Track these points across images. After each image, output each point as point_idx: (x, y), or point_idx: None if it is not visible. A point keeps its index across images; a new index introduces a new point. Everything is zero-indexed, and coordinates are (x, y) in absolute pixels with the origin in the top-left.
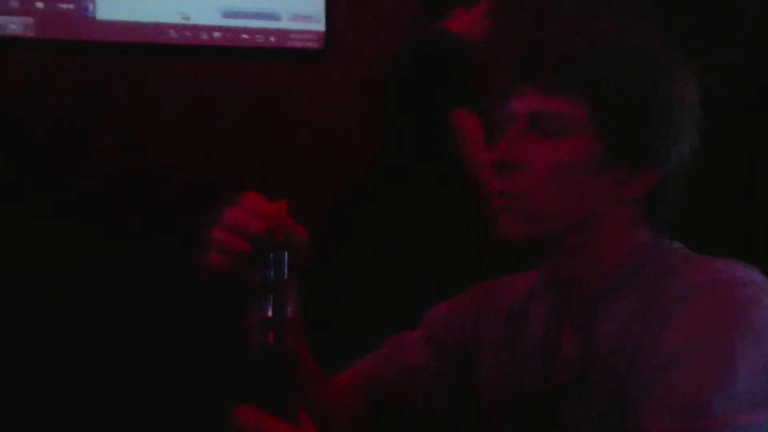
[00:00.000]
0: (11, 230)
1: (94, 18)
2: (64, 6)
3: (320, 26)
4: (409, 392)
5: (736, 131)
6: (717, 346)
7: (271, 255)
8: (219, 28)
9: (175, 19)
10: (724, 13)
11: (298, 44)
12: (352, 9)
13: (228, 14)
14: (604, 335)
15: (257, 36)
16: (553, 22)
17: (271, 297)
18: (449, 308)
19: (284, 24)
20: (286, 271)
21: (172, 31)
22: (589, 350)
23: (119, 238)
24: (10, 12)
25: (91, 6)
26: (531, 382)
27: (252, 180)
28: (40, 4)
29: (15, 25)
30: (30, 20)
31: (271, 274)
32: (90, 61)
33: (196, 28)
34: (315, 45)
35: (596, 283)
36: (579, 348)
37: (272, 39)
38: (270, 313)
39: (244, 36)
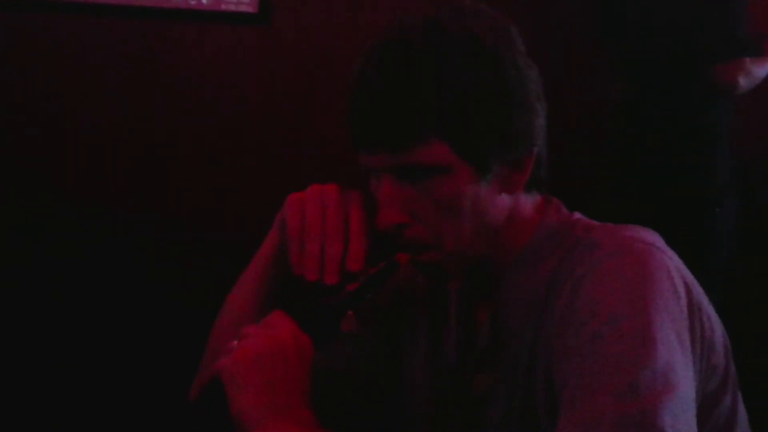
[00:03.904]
0: None
1: None
2: None
3: None
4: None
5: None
6: (636, 320)
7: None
8: None
9: None
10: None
11: (232, 7)
12: None
13: None
14: (516, 305)
15: None
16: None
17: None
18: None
19: None
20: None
21: None
22: (501, 319)
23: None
24: None
25: None
26: (448, 352)
27: (186, 147)
28: None
29: None
30: None
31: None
32: (10, 18)
33: None
34: (249, 9)
35: (506, 259)
36: (490, 318)
37: (204, 1)
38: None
39: None
